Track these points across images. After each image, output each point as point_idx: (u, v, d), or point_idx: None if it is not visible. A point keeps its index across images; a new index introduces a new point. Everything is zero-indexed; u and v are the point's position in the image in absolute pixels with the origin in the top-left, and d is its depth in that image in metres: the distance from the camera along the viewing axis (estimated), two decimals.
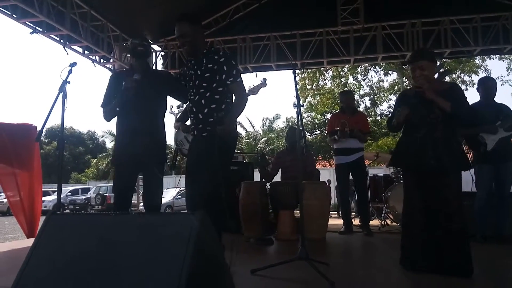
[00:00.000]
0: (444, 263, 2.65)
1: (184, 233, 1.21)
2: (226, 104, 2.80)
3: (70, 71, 2.79)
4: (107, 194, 17.35)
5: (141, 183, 8.09)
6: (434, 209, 2.73)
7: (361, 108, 23.32)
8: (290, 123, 24.87)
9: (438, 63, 3.16)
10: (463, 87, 20.11)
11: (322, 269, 2.62)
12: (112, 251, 1.26)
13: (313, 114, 23.47)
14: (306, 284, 2.62)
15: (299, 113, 2.92)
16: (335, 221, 6.40)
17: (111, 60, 7.58)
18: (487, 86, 4.37)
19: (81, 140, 43.08)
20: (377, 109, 24.93)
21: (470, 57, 15.19)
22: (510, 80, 23.27)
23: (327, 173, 15.05)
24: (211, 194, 2.58)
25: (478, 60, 20.46)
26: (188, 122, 3.20)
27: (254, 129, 28.19)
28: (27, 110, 60.29)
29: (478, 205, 4.22)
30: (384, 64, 19.71)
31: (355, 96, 22.85)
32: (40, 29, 5.99)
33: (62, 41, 6.45)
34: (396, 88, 23.42)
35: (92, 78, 60.54)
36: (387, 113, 25.12)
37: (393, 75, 23.23)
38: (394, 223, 5.98)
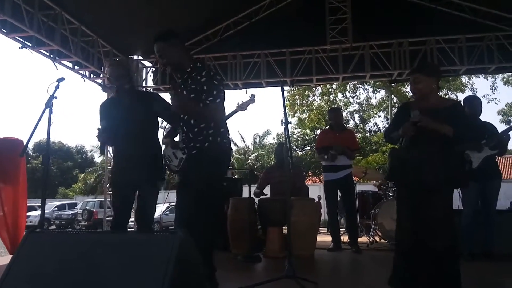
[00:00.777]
0: (432, 283, 2.63)
1: (166, 251, 1.19)
2: (216, 122, 2.79)
3: (57, 87, 2.79)
4: (94, 210, 17.09)
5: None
6: (421, 227, 2.69)
7: (351, 124, 23.54)
8: (281, 139, 24.95)
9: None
10: None
11: (310, 287, 2.59)
12: (91, 270, 1.24)
13: (303, 130, 23.59)
14: None
15: (286, 130, 2.93)
16: (325, 238, 6.37)
17: (101, 75, 7.58)
18: (473, 104, 4.45)
19: (69, 155, 42.56)
20: (366, 125, 25.19)
21: (456, 76, 15.51)
22: (495, 98, 23.64)
23: (317, 189, 15.07)
24: (197, 214, 2.59)
25: (465, 78, 20.90)
26: (177, 138, 3.24)
27: (245, 145, 28.24)
28: (14, 125, 59.62)
29: (465, 222, 4.24)
30: (372, 82, 20.00)
31: (345, 113, 23.12)
32: (30, 44, 5.98)
33: (52, 56, 6.44)
34: (384, 105, 23.72)
35: (82, 93, 60.27)
36: (376, 129, 25.40)
37: (382, 93, 23.58)
38: (382, 240, 5.98)
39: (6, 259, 4.86)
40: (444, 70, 7.34)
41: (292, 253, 2.87)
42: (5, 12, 5.08)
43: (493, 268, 3.90)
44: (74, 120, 64.44)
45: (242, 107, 3.81)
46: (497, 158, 4.66)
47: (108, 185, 8.04)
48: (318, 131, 21.34)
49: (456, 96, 21.49)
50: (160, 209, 14.66)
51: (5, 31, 5.56)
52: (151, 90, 7.94)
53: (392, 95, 21.74)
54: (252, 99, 3.89)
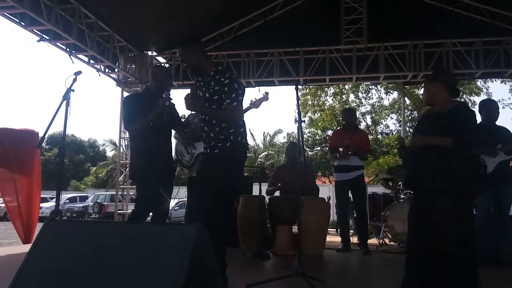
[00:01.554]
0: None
1: (181, 244, 1.21)
2: (236, 122, 2.86)
3: (74, 80, 2.83)
4: (105, 203, 17.28)
5: (131, 193, 8.04)
6: (424, 232, 2.66)
7: (362, 126, 23.40)
8: (291, 138, 24.90)
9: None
10: None
11: (318, 286, 2.60)
12: (109, 259, 1.27)
13: (314, 130, 23.52)
14: None
15: (300, 128, 2.94)
16: (333, 238, 6.36)
17: (116, 70, 7.66)
18: (490, 109, 4.37)
19: (82, 148, 43.06)
20: (378, 127, 25.01)
21: (471, 79, 15.31)
22: (511, 103, 23.18)
23: (326, 190, 15.00)
24: (213, 211, 2.68)
25: (480, 82, 20.60)
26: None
27: (255, 143, 28.24)
28: (30, 116, 60.55)
29: (477, 228, 4.18)
30: (385, 83, 19.85)
31: (357, 114, 22.97)
32: (47, 37, 6.07)
33: (68, 49, 6.53)
34: (396, 106, 23.52)
35: (96, 87, 60.90)
36: (388, 131, 25.22)
37: (394, 94, 23.38)
38: (392, 243, 5.93)
39: (20, 248, 4.96)
40: (460, 73, 7.26)
41: (301, 252, 2.87)
42: (25, 5, 5.17)
43: (502, 276, 3.85)
44: (87, 114, 65.23)
45: (255, 104, 3.82)
46: (511, 163, 4.59)
47: (124, 177, 8.10)
48: (329, 132, 21.26)
49: (471, 100, 21.22)
50: (169, 204, 14.76)
51: (23, 24, 5.66)
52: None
53: (406, 97, 21.54)
54: (265, 97, 3.89)
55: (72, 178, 36.92)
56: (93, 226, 1.50)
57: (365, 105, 23.91)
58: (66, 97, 2.79)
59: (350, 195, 5.57)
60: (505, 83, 20.68)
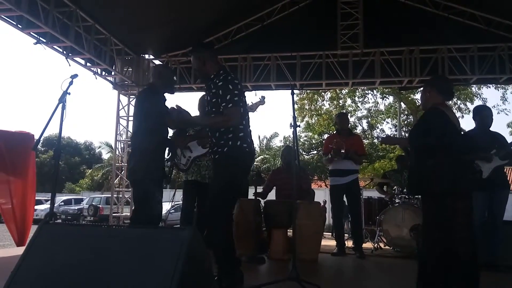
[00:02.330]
0: None
1: (175, 248, 1.22)
2: (234, 126, 2.82)
3: (71, 83, 2.84)
4: (100, 206, 17.17)
5: (127, 195, 7.97)
6: (424, 233, 2.70)
7: (358, 130, 23.46)
8: (288, 142, 24.89)
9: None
10: (458, 114, 20.27)
11: None
12: (103, 262, 1.27)
13: (310, 134, 23.55)
14: None
15: (295, 133, 2.95)
16: (329, 242, 6.36)
17: (112, 73, 7.66)
18: (484, 115, 4.41)
19: (78, 150, 42.86)
20: (374, 131, 25.08)
21: (466, 85, 15.41)
22: (506, 109, 23.41)
23: (322, 193, 15.00)
24: (211, 216, 2.76)
25: (475, 88, 20.72)
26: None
27: None
28: (26, 119, 60.24)
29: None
30: (381, 88, 19.92)
31: (353, 118, 23.05)
32: (44, 40, 6.07)
33: (65, 52, 6.53)
34: (392, 111, 23.60)
35: (92, 90, 60.76)
36: (383, 136, 25.25)
37: (390, 99, 23.47)
38: (387, 247, 5.95)
39: (14, 251, 4.93)
40: (454, 79, 7.32)
41: (296, 256, 2.87)
42: (22, 8, 5.17)
43: (497, 280, 3.86)
44: (83, 116, 65.00)
45: (252, 108, 3.83)
46: (505, 169, 4.62)
47: (120, 179, 8.08)
48: (326, 136, 21.29)
49: (466, 105, 21.35)
50: (165, 207, 14.71)
51: (20, 26, 5.65)
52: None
53: (401, 102, 21.64)
54: (262, 101, 3.90)
55: (67, 181, 36.72)
56: (88, 229, 1.51)
57: (361, 109, 24.00)
58: (62, 100, 2.79)
59: (345, 199, 5.59)
60: (498, 90, 20.82)
